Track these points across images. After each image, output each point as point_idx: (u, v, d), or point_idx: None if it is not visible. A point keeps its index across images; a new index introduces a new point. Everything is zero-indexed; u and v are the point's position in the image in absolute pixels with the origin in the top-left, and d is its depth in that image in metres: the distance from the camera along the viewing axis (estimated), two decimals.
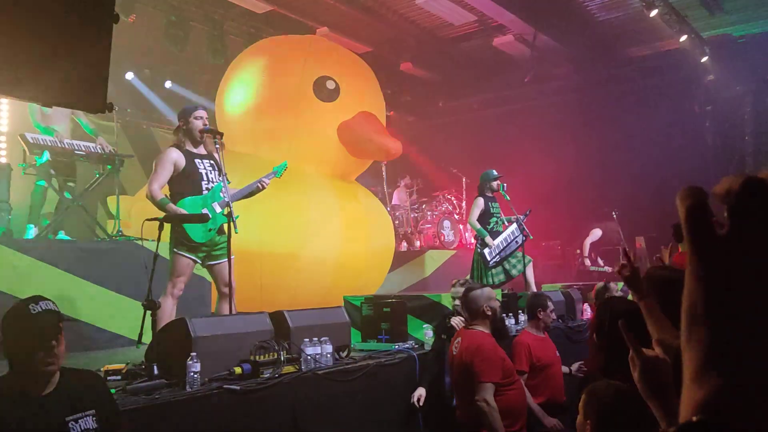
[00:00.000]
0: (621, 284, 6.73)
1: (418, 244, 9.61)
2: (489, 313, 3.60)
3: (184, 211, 4.09)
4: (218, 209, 4.23)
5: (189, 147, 4.31)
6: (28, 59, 1.63)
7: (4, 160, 6.03)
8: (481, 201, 6.77)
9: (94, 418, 2.10)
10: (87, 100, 1.70)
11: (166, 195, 4.18)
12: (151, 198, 4.11)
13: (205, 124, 4.33)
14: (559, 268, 10.09)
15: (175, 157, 4.20)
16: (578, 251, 9.70)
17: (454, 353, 3.67)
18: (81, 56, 1.63)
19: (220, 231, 4.27)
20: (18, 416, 1.91)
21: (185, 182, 4.20)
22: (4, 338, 1.99)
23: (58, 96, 1.65)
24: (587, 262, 9.58)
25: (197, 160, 4.29)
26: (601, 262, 9.75)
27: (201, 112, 4.35)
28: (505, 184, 6.84)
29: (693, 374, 0.50)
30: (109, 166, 5.66)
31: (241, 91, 7.25)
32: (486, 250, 6.56)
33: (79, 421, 2.04)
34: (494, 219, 6.78)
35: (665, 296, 2.18)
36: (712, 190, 0.55)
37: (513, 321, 5.47)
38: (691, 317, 0.51)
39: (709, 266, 0.52)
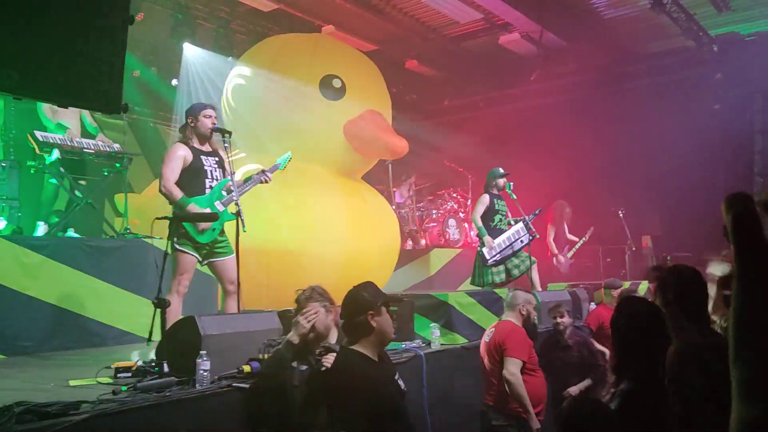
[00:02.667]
0: (627, 283, 6.70)
1: (423, 242, 9.61)
2: (523, 313, 4.10)
3: (204, 210, 4.11)
4: (220, 208, 4.25)
5: (195, 144, 4.33)
6: (43, 60, 1.64)
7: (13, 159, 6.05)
8: (486, 198, 6.75)
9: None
10: (102, 101, 1.72)
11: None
12: (170, 194, 4.12)
13: (214, 123, 4.34)
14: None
15: (183, 154, 4.22)
16: (550, 254, 9.64)
17: (486, 341, 4.15)
18: (96, 57, 1.65)
19: (222, 230, 4.29)
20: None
21: (190, 180, 4.22)
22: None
23: (74, 97, 1.66)
24: (561, 258, 9.47)
25: (203, 157, 4.31)
26: (568, 237, 9.65)
27: (210, 111, 4.37)
28: (511, 183, 6.83)
29: (743, 391, 0.48)
30: (117, 164, 5.69)
31: (247, 89, 7.27)
32: (485, 249, 6.54)
33: (399, 380, 2.79)
34: (498, 217, 6.75)
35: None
36: (758, 198, 0.53)
37: None
38: (740, 331, 0.49)
39: (759, 277, 0.50)
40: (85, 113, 6.08)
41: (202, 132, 4.31)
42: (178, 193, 4.10)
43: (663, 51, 10.29)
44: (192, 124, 4.32)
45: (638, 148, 9.78)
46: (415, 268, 8.77)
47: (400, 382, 2.76)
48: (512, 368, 3.85)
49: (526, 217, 6.70)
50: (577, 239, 9.70)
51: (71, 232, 5.47)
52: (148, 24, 8.03)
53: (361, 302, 2.64)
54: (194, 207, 4.13)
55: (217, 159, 4.39)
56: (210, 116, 4.34)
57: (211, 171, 4.31)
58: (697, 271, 2.34)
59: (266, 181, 4.47)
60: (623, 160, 9.86)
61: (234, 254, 4.20)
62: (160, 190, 4.17)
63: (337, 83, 6.97)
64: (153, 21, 8.27)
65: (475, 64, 11.16)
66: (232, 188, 4.27)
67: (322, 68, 7.04)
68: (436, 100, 12.42)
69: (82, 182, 5.64)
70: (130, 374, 3.20)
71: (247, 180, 4.47)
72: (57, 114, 5.80)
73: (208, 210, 4.20)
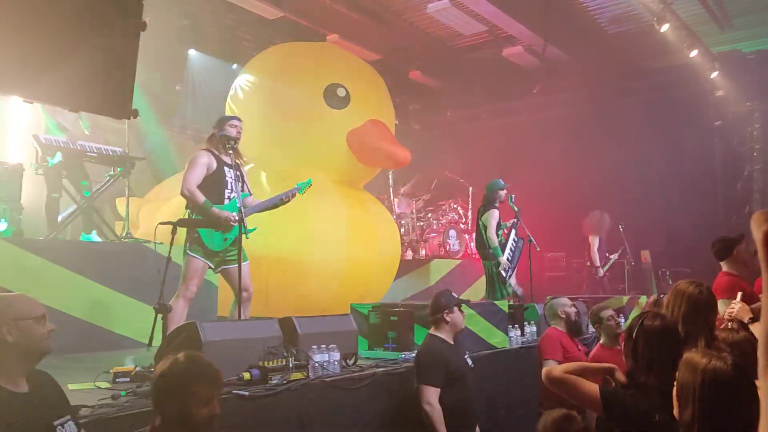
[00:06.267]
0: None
1: (423, 252, 9.61)
2: (563, 316, 4.48)
3: (226, 213, 4.13)
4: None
5: (221, 154, 4.37)
6: (56, 65, 1.65)
7: (16, 160, 6.06)
8: (497, 214, 6.70)
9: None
10: (113, 107, 1.73)
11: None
12: (192, 197, 4.15)
13: (239, 132, 4.39)
14: (563, 280, 10.06)
15: (208, 161, 4.26)
16: (588, 263, 9.43)
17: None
18: (108, 63, 1.66)
19: (234, 240, 4.30)
20: None
21: (211, 187, 4.26)
22: None
23: (85, 102, 1.67)
24: (601, 271, 9.18)
25: (226, 168, 4.34)
26: (607, 255, 9.30)
27: (236, 122, 4.44)
28: (513, 195, 6.82)
29: None
30: (120, 168, 5.69)
31: (251, 96, 7.29)
32: (501, 269, 6.54)
33: (468, 358, 3.86)
34: (501, 231, 6.76)
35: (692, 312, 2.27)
36: None
37: (519, 332, 5.47)
38: None
39: None
40: (84, 116, 6.08)
41: (227, 140, 4.36)
42: (200, 197, 4.14)
43: (665, 67, 10.35)
44: (218, 134, 4.39)
45: (639, 163, 9.81)
46: (414, 278, 8.76)
47: (468, 360, 3.88)
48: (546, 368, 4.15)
49: (515, 220, 6.79)
50: (608, 255, 9.38)
51: (95, 236, 5.48)
52: (154, 29, 8.05)
53: (439, 304, 3.79)
54: (215, 212, 4.16)
55: (238, 173, 4.43)
56: (235, 126, 4.40)
57: (231, 183, 4.35)
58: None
59: (286, 201, 4.49)
60: (623, 174, 9.89)
61: (247, 261, 4.25)
62: (183, 193, 4.20)
63: (341, 92, 6.99)
64: (158, 26, 8.30)
65: (479, 76, 11.21)
66: (249, 202, 4.34)
67: (326, 77, 7.06)
68: (438, 111, 12.46)
69: (85, 183, 5.65)
70: (129, 379, 3.19)
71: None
72: (57, 114, 5.80)
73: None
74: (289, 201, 4.51)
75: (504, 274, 6.49)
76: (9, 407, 1.85)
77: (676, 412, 1.76)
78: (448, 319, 3.78)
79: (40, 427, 1.94)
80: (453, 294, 3.94)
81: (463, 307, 4.91)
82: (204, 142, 4.56)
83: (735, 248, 4.27)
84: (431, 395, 3.57)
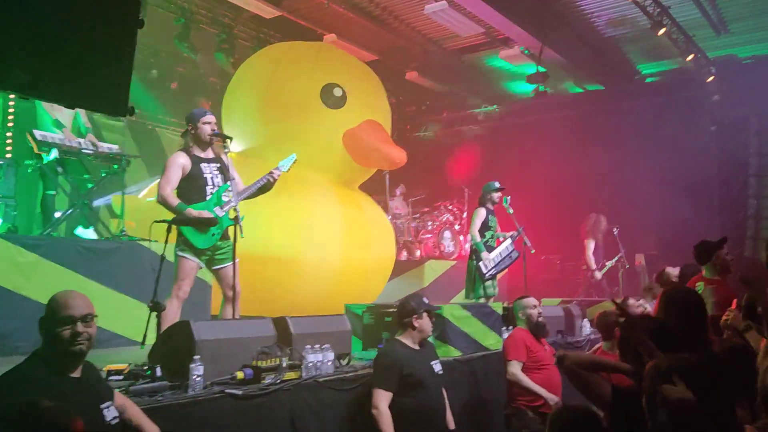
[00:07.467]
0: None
1: (418, 253, 9.61)
2: (523, 318, 4.56)
3: (202, 213, 4.10)
4: (220, 213, 4.23)
5: (196, 151, 4.31)
6: (53, 61, 1.65)
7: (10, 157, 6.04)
8: (483, 212, 6.68)
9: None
10: (109, 104, 1.72)
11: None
12: (166, 203, 4.10)
13: (214, 129, 4.33)
14: (558, 283, 10.07)
15: (182, 162, 4.21)
16: (584, 267, 9.37)
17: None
18: (105, 59, 1.65)
19: (224, 236, 4.26)
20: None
21: (190, 187, 4.20)
22: None
23: (81, 98, 1.67)
24: (598, 275, 9.06)
25: (203, 165, 4.29)
26: (604, 260, 9.21)
27: (210, 117, 4.35)
28: (509, 198, 6.81)
29: None
30: (115, 166, 5.67)
31: (248, 95, 7.28)
32: (482, 264, 6.50)
33: (436, 365, 3.58)
34: (490, 233, 6.70)
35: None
36: None
37: None
38: None
39: None
40: (80, 113, 6.04)
41: (203, 139, 4.30)
42: (174, 201, 4.10)
43: (661, 71, 10.40)
44: (192, 131, 4.31)
45: (634, 167, 9.84)
46: (409, 278, 8.76)
47: (436, 367, 3.76)
48: (511, 369, 4.29)
49: (514, 234, 6.67)
50: (610, 262, 9.20)
51: (92, 232, 5.46)
52: (150, 27, 8.03)
53: (408, 308, 3.70)
54: (192, 213, 4.12)
55: (218, 165, 4.37)
56: (209, 122, 4.32)
57: (211, 178, 4.29)
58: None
59: (273, 181, 4.41)
60: (619, 178, 9.92)
61: (236, 260, 4.21)
62: (158, 201, 4.15)
63: (338, 92, 7.00)
64: (154, 24, 8.28)
65: (475, 78, 11.23)
66: (231, 193, 4.27)
67: (323, 76, 7.06)
68: (435, 112, 12.47)
69: (87, 176, 5.64)
70: (122, 377, 3.18)
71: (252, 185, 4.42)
72: (54, 110, 5.78)
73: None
74: (275, 181, 4.41)
75: (484, 270, 6.44)
76: (69, 389, 2.14)
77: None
78: (416, 324, 3.70)
79: (91, 409, 2.19)
80: (424, 299, 3.86)
81: (456, 307, 4.96)
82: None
83: (715, 253, 4.27)
84: (380, 399, 3.50)
